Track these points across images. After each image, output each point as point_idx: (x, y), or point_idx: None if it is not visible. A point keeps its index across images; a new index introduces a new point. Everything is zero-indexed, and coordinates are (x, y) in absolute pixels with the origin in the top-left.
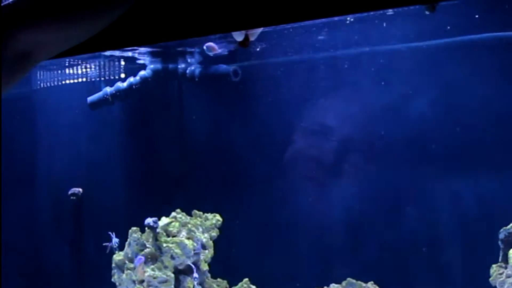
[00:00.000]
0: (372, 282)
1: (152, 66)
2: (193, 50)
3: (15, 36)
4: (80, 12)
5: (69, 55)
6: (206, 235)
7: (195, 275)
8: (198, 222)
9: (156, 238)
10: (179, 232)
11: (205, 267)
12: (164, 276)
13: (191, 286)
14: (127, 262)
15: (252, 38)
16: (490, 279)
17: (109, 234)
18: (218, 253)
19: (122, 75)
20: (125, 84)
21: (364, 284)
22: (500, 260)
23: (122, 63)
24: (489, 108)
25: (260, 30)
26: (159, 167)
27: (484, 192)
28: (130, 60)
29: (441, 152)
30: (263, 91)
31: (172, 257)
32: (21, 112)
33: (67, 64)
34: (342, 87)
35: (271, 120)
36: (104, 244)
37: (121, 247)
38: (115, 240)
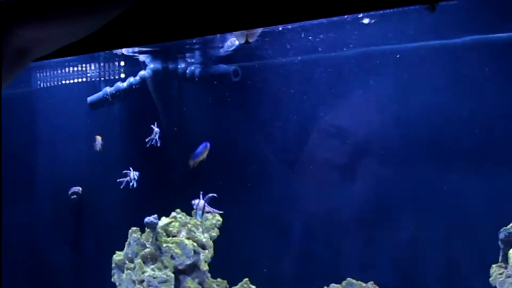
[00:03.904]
0: (372, 282)
1: (152, 66)
2: (193, 49)
3: (13, 32)
4: (79, 8)
5: (68, 55)
6: (206, 235)
7: (208, 209)
8: (198, 222)
9: (156, 238)
10: (179, 232)
11: (205, 267)
12: (164, 276)
13: (192, 286)
14: (127, 262)
15: (251, 40)
16: (490, 279)
17: (127, 172)
18: (218, 253)
19: (122, 75)
20: (125, 84)
21: (364, 284)
22: (500, 260)
23: (122, 63)
24: (493, 109)
25: (259, 31)
26: (159, 167)
27: (484, 192)
28: (130, 60)
29: (442, 153)
30: (263, 91)
31: (172, 257)
32: (21, 112)
33: (67, 64)
34: (343, 87)
35: (271, 120)
36: (118, 180)
37: (121, 247)
38: (134, 174)
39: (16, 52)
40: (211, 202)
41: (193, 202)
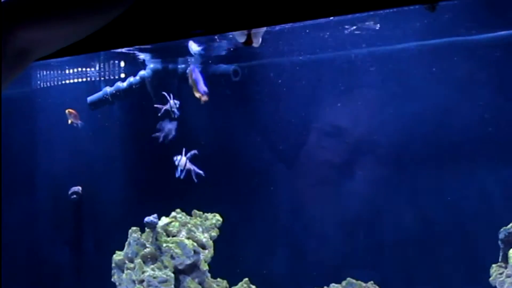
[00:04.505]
0: (372, 282)
1: (152, 66)
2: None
3: (14, 33)
4: (78, 9)
5: (68, 54)
6: (206, 235)
7: (189, 166)
8: (198, 222)
9: (156, 237)
10: (179, 232)
11: (205, 267)
12: (164, 276)
13: (192, 286)
14: (127, 262)
15: (255, 44)
16: (490, 279)
17: (165, 95)
18: (218, 253)
19: (122, 75)
20: (125, 84)
21: (364, 284)
22: (500, 260)
23: (122, 63)
24: (493, 108)
25: (262, 32)
26: (159, 166)
27: (484, 192)
28: (130, 60)
29: (442, 153)
30: (263, 91)
31: (172, 257)
32: (21, 112)
33: (67, 64)
34: (345, 87)
35: (271, 120)
36: (156, 105)
37: (121, 247)
38: (174, 102)
39: (17, 53)
40: (193, 159)
41: (174, 158)
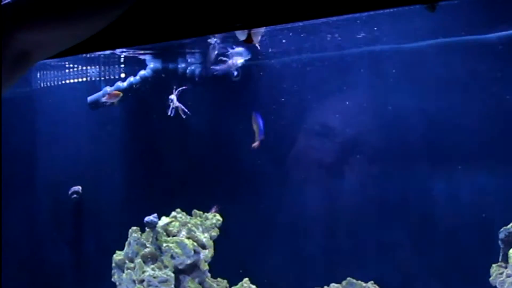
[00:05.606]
0: (372, 282)
1: (152, 65)
2: (193, 50)
3: (14, 36)
4: (79, 11)
5: (68, 55)
6: (206, 235)
7: (177, 104)
8: (198, 222)
9: (156, 237)
10: (179, 231)
11: (205, 266)
12: (164, 275)
13: (192, 285)
14: (127, 261)
15: (256, 42)
16: (490, 279)
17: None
18: (218, 253)
19: (122, 75)
20: (125, 84)
21: (364, 284)
22: (500, 260)
23: (122, 63)
24: (488, 107)
25: (262, 31)
26: (159, 166)
27: (484, 192)
28: (130, 60)
29: (441, 152)
30: (263, 91)
31: (172, 257)
32: (21, 112)
33: (67, 64)
34: (343, 87)
35: (271, 120)
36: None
37: (121, 247)
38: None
39: (18, 56)
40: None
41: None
